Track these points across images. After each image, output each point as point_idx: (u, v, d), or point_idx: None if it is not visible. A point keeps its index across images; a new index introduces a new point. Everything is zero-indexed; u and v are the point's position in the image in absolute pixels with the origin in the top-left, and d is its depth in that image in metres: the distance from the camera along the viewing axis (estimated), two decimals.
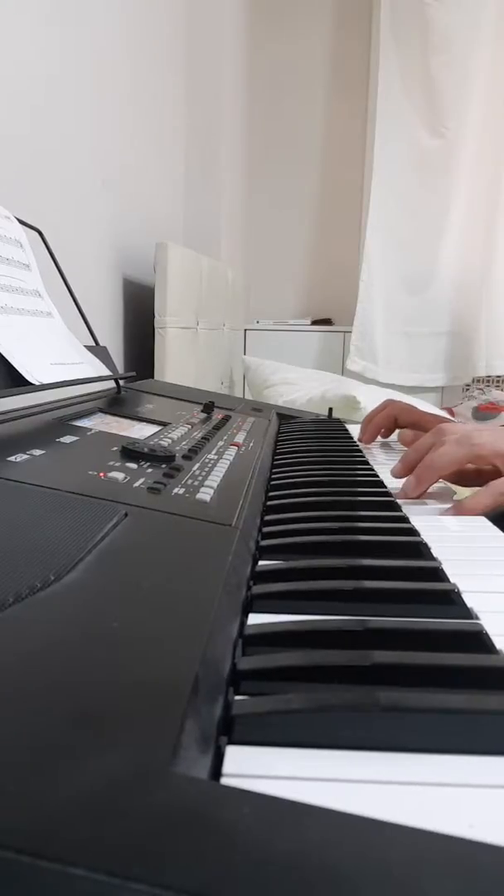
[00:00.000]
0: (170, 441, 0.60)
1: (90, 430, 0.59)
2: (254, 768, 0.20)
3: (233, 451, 0.62)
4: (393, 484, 0.58)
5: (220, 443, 0.65)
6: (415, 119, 2.79)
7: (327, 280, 3.21)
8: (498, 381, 3.00)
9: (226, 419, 0.80)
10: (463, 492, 0.59)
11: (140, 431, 0.64)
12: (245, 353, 2.82)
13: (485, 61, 2.72)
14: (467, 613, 0.31)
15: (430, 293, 2.91)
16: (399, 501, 0.52)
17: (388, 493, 0.55)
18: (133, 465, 0.49)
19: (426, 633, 0.28)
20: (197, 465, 0.53)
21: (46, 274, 0.75)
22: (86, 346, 0.77)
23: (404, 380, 2.90)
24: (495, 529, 0.48)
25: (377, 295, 2.88)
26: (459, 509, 0.53)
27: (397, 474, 0.59)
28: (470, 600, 0.32)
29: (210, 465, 0.54)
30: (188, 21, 2.17)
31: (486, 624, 0.29)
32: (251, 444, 0.68)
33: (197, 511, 0.41)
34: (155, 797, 0.15)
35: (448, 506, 0.55)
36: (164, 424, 0.69)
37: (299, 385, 1.99)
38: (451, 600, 0.32)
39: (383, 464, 0.67)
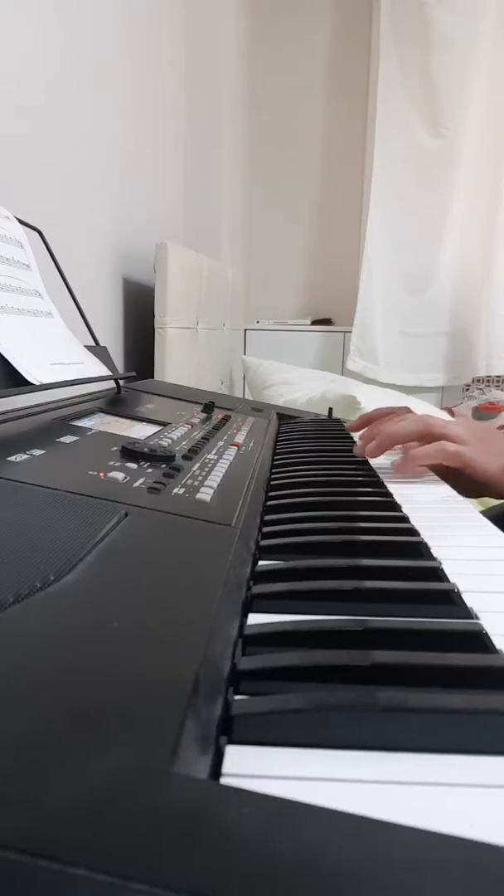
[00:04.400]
0: (170, 441, 0.60)
1: (90, 430, 0.59)
2: (254, 768, 0.20)
3: (233, 451, 0.62)
4: (392, 484, 0.59)
5: (220, 443, 0.65)
6: (415, 119, 2.79)
7: (327, 280, 3.21)
8: (498, 381, 3.00)
9: (226, 419, 0.80)
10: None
11: (140, 431, 0.64)
12: (245, 353, 2.82)
13: (485, 61, 2.72)
14: (467, 613, 0.31)
15: (429, 293, 2.91)
16: (397, 498, 0.52)
17: (388, 494, 0.55)
18: (133, 465, 0.49)
19: (426, 633, 0.28)
20: (197, 465, 0.53)
21: (46, 274, 0.75)
22: (86, 346, 0.77)
23: (404, 380, 2.90)
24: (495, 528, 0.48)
25: (377, 295, 2.88)
26: (406, 457, 0.63)
27: (364, 443, 0.68)
28: (470, 600, 0.33)
29: (210, 465, 0.54)
30: (188, 21, 2.17)
31: (486, 624, 0.29)
32: (251, 445, 0.68)
33: (197, 511, 0.41)
34: (155, 797, 0.15)
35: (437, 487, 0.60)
36: (164, 424, 0.69)
37: (299, 385, 1.99)
38: (451, 600, 0.32)
39: (384, 463, 0.67)
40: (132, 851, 0.13)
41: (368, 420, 0.79)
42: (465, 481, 0.64)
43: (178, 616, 0.26)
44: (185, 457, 0.54)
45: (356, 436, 0.85)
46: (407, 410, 0.77)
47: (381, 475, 0.62)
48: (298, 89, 3.07)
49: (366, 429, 0.76)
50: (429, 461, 0.62)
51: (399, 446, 0.68)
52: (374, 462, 0.68)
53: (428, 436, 0.65)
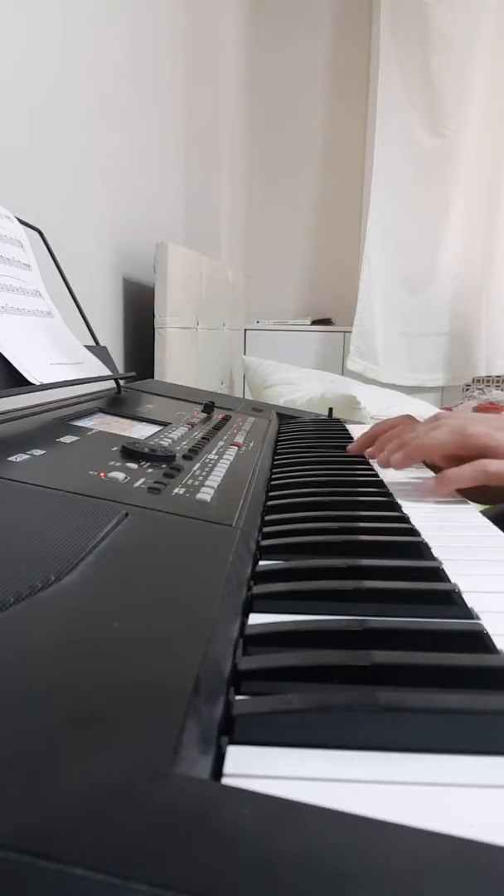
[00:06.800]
0: (170, 441, 0.60)
1: (90, 430, 0.59)
2: (255, 768, 0.20)
3: (233, 451, 0.62)
4: (392, 485, 0.58)
5: (221, 443, 0.65)
6: (415, 119, 2.79)
7: (327, 280, 3.21)
8: (498, 381, 3.00)
9: (226, 419, 0.80)
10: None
11: (140, 431, 0.64)
12: (245, 353, 2.82)
13: (485, 61, 2.72)
14: (468, 613, 0.31)
15: (430, 293, 2.91)
16: (399, 500, 0.52)
17: (388, 493, 0.55)
18: (133, 465, 0.49)
19: (426, 633, 0.28)
20: (197, 466, 0.53)
21: (46, 274, 0.75)
22: (86, 346, 0.77)
23: (404, 380, 2.90)
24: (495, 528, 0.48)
25: (377, 295, 2.88)
26: (442, 479, 0.55)
27: (382, 450, 0.62)
28: (470, 600, 0.32)
29: (210, 465, 0.54)
30: (188, 21, 2.17)
31: (486, 624, 0.29)
32: (251, 445, 0.68)
33: (197, 511, 0.41)
34: (156, 797, 0.15)
35: (455, 504, 0.55)
36: (164, 424, 0.69)
37: (299, 385, 1.99)
38: (451, 600, 0.32)
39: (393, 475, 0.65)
40: (132, 851, 0.13)
41: (374, 436, 0.70)
42: (491, 491, 0.57)
43: (178, 616, 0.26)
44: (185, 457, 0.54)
45: (356, 435, 0.84)
46: (409, 419, 0.69)
47: (381, 475, 0.62)
48: (298, 89, 3.07)
49: (383, 437, 0.67)
50: (467, 484, 0.54)
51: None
52: (373, 462, 0.68)
53: (465, 447, 0.56)
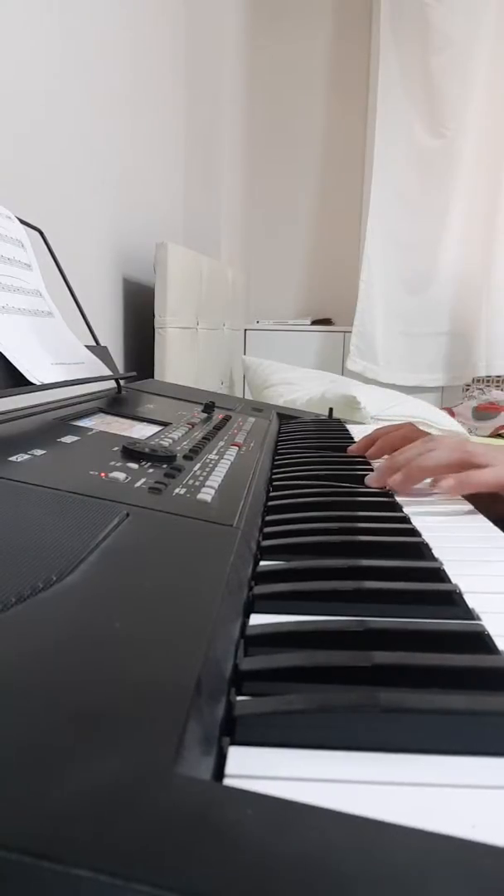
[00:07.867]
0: (171, 441, 0.60)
1: (91, 429, 0.59)
2: (256, 769, 0.20)
3: (233, 451, 0.62)
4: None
5: (221, 443, 0.65)
6: (415, 119, 2.79)
7: (327, 280, 3.21)
8: (498, 381, 3.00)
9: (226, 419, 0.80)
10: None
11: (141, 431, 0.64)
12: (245, 353, 2.82)
13: (485, 61, 2.71)
14: (468, 614, 0.31)
15: (430, 293, 2.91)
16: (400, 500, 0.52)
17: (388, 494, 0.55)
18: (134, 465, 0.49)
19: (427, 634, 0.28)
20: (198, 466, 0.53)
21: (47, 274, 0.75)
22: (86, 346, 0.77)
23: (404, 380, 2.90)
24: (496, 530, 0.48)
25: (377, 295, 2.88)
26: (462, 479, 0.54)
27: (385, 472, 0.59)
28: (471, 601, 0.32)
29: (211, 465, 0.54)
30: (188, 21, 2.17)
31: (487, 624, 0.30)
32: (252, 445, 0.68)
33: (198, 511, 0.41)
34: (157, 798, 0.15)
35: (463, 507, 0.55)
36: (164, 424, 0.69)
37: (299, 385, 1.99)
38: (452, 601, 0.32)
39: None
40: (135, 852, 0.13)
41: (372, 441, 0.71)
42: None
43: (179, 617, 0.26)
44: (185, 457, 0.54)
45: (356, 435, 0.84)
46: (411, 426, 0.70)
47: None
48: (298, 89, 3.07)
49: (384, 439, 0.69)
50: (487, 488, 0.54)
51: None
52: (373, 463, 0.68)
53: (468, 465, 0.56)
